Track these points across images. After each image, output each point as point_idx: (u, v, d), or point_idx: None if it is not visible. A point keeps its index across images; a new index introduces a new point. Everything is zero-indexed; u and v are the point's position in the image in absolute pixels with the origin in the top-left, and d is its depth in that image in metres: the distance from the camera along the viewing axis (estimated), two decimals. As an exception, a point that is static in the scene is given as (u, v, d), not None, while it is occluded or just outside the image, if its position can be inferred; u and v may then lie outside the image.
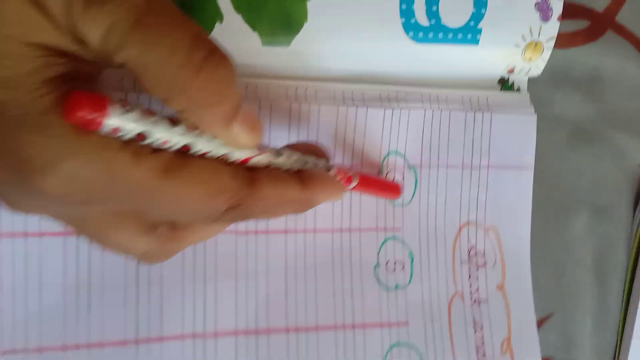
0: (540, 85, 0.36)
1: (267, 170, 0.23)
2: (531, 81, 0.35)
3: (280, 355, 0.30)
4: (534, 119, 0.34)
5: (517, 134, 0.34)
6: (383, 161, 0.32)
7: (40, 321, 0.27)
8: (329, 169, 0.27)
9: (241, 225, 0.30)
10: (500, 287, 0.34)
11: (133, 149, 0.19)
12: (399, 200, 0.33)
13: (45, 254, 0.27)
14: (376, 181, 0.31)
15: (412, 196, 0.33)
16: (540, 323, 0.36)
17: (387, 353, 0.32)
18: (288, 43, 0.30)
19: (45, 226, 0.27)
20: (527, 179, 0.35)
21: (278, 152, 0.24)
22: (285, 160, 0.24)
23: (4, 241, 0.27)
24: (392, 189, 0.32)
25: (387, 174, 0.32)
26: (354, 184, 0.28)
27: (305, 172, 0.25)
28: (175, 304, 0.29)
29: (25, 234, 0.27)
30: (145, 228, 0.22)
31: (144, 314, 0.28)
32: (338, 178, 0.27)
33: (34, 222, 0.27)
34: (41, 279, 0.27)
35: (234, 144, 0.21)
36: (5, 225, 0.27)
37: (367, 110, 0.31)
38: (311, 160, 0.26)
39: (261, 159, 0.23)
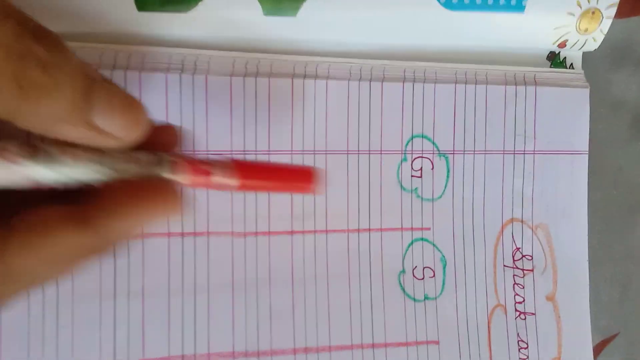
0: (597, 63, 0.30)
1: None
2: (586, 57, 0.30)
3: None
4: (586, 93, 0.29)
5: (568, 112, 0.28)
6: (406, 146, 0.27)
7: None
8: (173, 165, 0.18)
9: (238, 225, 0.25)
10: (551, 298, 0.29)
11: None
12: (427, 194, 0.28)
13: None
14: (269, 169, 0.21)
15: (444, 189, 0.28)
16: (601, 346, 0.31)
17: (414, 377, 0.27)
18: (294, 12, 0.25)
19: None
20: (581, 165, 0.29)
21: (50, 158, 0.16)
22: (64, 174, 0.16)
23: None
24: (299, 176, 0.21)
25: (412, 162, 0.27)
26: (230, 181, 0.20)
27: (103, 193, 0.17)
28: (159, 321, 0.24)
29: None
30: None
31: (123, 334, 0.24)
32: (184, 180, 0.19)
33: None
34: None
35: (98, 141, 0.16)
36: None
37: (382, 85, 0.26)
38: (141, 159, 0.18)
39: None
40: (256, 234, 0.25)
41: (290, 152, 0.26)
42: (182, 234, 0.25)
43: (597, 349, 0.31)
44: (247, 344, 0.25)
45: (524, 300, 0.28)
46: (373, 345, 0.26)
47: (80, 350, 0.23)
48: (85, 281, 0.24)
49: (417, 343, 0.27)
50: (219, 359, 0.25)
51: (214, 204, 0.25)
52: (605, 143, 0.31)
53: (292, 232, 0.26)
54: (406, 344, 0.27)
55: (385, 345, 0.26)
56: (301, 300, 0.26)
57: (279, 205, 0.25)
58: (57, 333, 0.23)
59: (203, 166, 0.19)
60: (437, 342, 0.27)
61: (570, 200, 0.29)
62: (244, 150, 0.25)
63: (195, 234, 0.25)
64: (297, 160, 0.25)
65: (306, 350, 0.26)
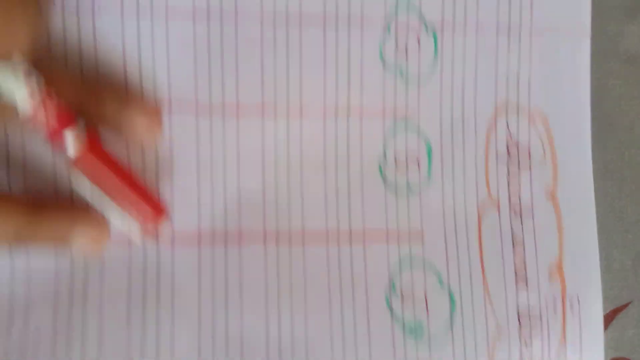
0: (609, 14, 0.28)
1: None
2: (597, 7, 0.27)
3: (255, 270, 0.23)
4: None
5: None
6: (390, 19, 0.25)
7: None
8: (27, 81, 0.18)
9: (203, 100, 0.24)
10: (551, 194, 0.26)
11: None
12: (413, 74, 0.25)
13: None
14: (116, 182, 0.21)
15: (432, 69, 0.25)
16: (612, 315, 0.28)
17: (394, 271, 0.24)
18: None
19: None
20: (584, 47, 0.26)
21: None
22: None
23: None
24: (144, 210, 0.22)
25: (397, 38, 0.25)
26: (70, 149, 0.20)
27: None
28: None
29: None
30: None
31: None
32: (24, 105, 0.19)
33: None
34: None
35: None
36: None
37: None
38: None
39: None
40: (223, 116, 0.24)
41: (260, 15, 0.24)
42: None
43: (608, 318, 0.28)
44: (213, 226, 0.23)
45: (519, 196, 0.26)
46: (350, 234, 0.24)
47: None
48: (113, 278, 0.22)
49: (398, 235, 0.25)
50: (184, 245, 0.23)
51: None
52: (618, 100, 0.28)
53: (263, 115, 0.24)
54: (386, 236, 0.24)
55: (364, 234, 0.24)
56: (272, 184, 0.24)
57: (248, 83, 0.24)
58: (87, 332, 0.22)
59: (65, 117, 0.18)
60: (421, 236, 0.25)
61: (572, 86, 0.26)
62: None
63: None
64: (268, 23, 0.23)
65: (277, 235, 0.24)
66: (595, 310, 0.26)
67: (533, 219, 0.26)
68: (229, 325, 0.23)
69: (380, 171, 0.25)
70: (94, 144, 0.20)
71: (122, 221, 0.22)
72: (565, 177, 0.26)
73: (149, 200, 0.21)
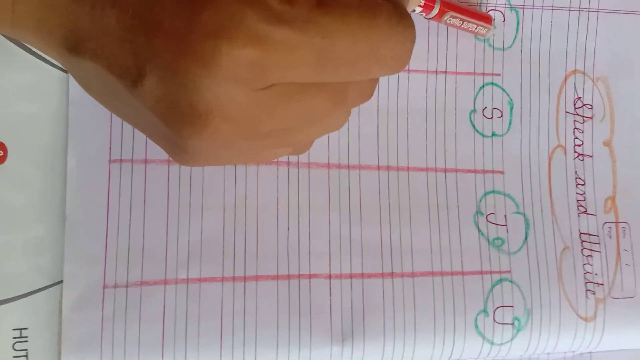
0: None
1: None
2: None
3: (371, 190, 0.30)
4: None
5: None
6: (481, 1, 0.31)
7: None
8: None
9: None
10: (608, 143, 0.32)
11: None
12: (498, 44, 0.32)
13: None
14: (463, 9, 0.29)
15: (514, 39, 0.32)
16: None
17: (481, 199, 0.31)
18: None
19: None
20: (638, 25, 0.32)
21: None
22: None
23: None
24: (483, 17, 0.30)
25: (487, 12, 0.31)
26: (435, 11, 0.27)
27: None
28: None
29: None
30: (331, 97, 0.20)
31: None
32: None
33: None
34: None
35: None
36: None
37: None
38: None
39: None
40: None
41: None
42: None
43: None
44: (339, 158, 0.30)
45: (582, 144, 0.32)
46: (445, 170, 0.31)
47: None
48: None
49: (484, 172, 0.31)
50: (317, 167, 0.30)
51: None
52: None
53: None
54: (474, 171, 0.31)
55: (456, 170, 0.31)
56: (384, 128, 0.30)
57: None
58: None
59: None
60: (502, 172, 0.31)
61: (630, 57, 0.32)
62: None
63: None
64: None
65: (388, 168, 0.30)
66: (643, 235, 0.32)
67: (593, 161, 0.32)
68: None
69: (471, 121, 0.31)
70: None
71: None
72: (620, 129, 0.32)
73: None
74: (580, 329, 0.31)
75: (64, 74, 0.27)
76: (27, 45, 0.26)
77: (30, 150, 0.27)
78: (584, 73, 0.32)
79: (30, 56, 0.27)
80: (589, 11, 0.32)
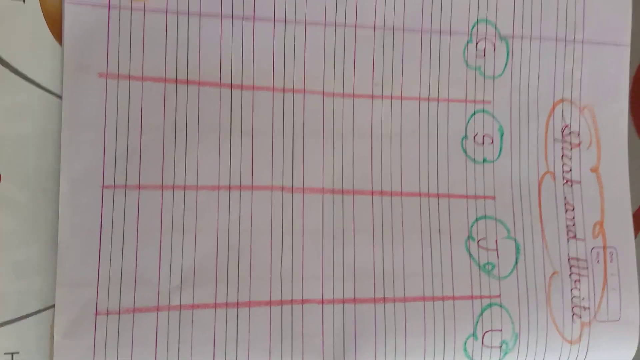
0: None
1: None
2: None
3: (364, 215, 0.30)
4: None
5: (612, 6, 0.33)
6: (472, 29, 0.32)
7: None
8: None
9: (327, 87, 0.30)
10: (595, 170, 0.33)
11: None
12: (489, 72, 0.32)
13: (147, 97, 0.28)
14: None
15: (504, 68, 0.32)
16: None
17: (472, 224, 0.31)
18: None
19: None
20: (624, 56, 0.33)
21: None
22: None
23: (110, 83, 0.28)
24: None
25: (477, 44, 0.32)
26: None
27: None
28: (265, 155, 0.30)
29: (128, 77, 0.28)
30: None
31: (236, 163, 0.29)
32: None
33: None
34: (141, 121, 0.28)
35: None
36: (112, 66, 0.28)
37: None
38: None
39: None
40: (342, 95, 0.31)
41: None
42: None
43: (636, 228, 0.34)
44: (333, 183, 0.30)
45: (571, 170, 0.33)
46: (438, 195, 0.31)
47: (203, 173, 0.29)
48: (207, 119, 0.29)
49: (475, 197, 0.31)
50: (311, 193, 0.30)
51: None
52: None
53: (372, 97, 0.31)
54: (466, 197, 0.31)
55: (449, 196, 0.31)
56: (378, 153, 0.31)
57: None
58: (185, 157, 0.29)
59: None
60: (494, 198, 0.32)
61: (614, 86, 0.33)
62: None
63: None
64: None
65: (382, 193, 0.30)
66: (630, 259, 0.33)
67: (581, 188, 0.33)
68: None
69: (463, 147, 0.32)
70: None
71: None
72: (606, 156, 0.33)
73: None
74: (565, 351, 0.31)
75: (57, 98, 0.27)
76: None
77: (22, 173, 0.27)
78: (570, 101, 0.33)
79: (23, 80, 0.27)
80: (574, 42, 0.33)
